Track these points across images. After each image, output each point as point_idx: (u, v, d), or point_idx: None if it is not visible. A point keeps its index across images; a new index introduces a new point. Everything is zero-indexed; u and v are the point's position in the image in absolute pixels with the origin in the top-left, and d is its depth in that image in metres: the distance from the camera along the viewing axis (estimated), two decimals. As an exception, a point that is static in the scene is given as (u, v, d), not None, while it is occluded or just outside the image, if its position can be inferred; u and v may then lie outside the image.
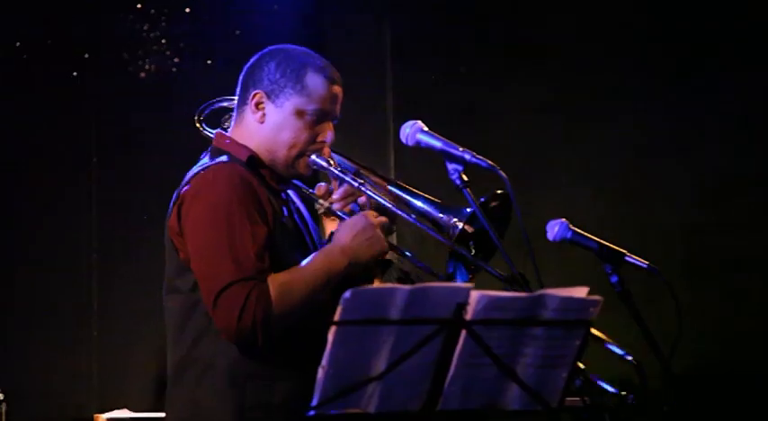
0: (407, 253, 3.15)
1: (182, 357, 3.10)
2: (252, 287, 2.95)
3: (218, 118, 3.48)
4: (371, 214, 3.10)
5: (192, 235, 3.05)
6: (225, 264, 2.97)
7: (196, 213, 3.05)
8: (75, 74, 5.75)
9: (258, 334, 2.94)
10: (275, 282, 2.98)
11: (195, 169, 3.16)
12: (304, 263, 3.05)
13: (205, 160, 3.18)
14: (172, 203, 3.13)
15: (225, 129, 3.33)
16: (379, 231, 3.09)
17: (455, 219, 3.10)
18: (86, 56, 5.75)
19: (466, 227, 3.08)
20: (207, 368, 3.05)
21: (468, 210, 3.08)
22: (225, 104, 3.50)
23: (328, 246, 3.10)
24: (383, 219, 3.11)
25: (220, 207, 3.02)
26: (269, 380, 3.03)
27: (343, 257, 3.05)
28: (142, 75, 5.73)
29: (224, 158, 3.13)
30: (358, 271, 3.10)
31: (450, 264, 3.12)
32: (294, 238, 3.16)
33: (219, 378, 3.04)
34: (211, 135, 3.48)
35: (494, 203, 3.12)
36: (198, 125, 3.51)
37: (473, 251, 3.12)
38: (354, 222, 3.10)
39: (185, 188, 3.10)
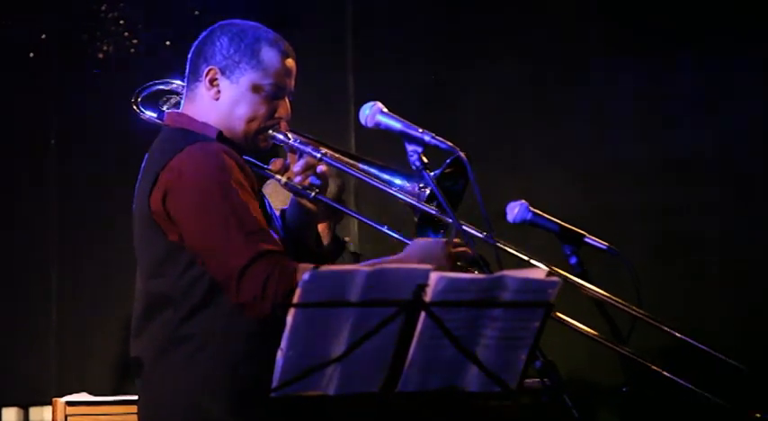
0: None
1: (168, 337, 3.02)
2: (273, 264, 2.88)
3: (156, 100, 3.45)
4: (452, 244, 2.99)
5: (195, 219, 2.97)
6: (239, 242, 2.90)
7: (192, 197, 2.97)
8: (32, 55, 5.71)
9: (279, 310, 2.82)
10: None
11: (161, 152, 3.07)
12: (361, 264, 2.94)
13: (173, 141, 3.10)
14: (150, 186, 3.03)
15: (164, 112, 3.29)
16: (448, 263, 2.95)
17: (420, 186, 3.10)
18: (43, 37, 5.70)
19: (429, 190, 3.05)
20: (198, 348, 2.99)
21: (432, 173, 3.06)
22: (160, 87, 3.47)
23: (393, 258, 2.99)
24: (463, 249, 2.99)
25: (218, 186, 2.95)
26: (263, 360, 2.95)
27: None
28: (100, 55, 5.69)
29: (199, 139, 3.06)
30: None
31: (419, 231, 3.10)
32: (267, 216, 3.13)
33: (213, 358, 2.98)
34: (152, 117, 3.44)
35: (449, 170, 3.10)
36: (135, 108, 3.47)
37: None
38: (432, 247, 2.98)
39: (165, 171, 3.01)
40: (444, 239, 3.02)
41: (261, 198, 3.10)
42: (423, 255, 2.95)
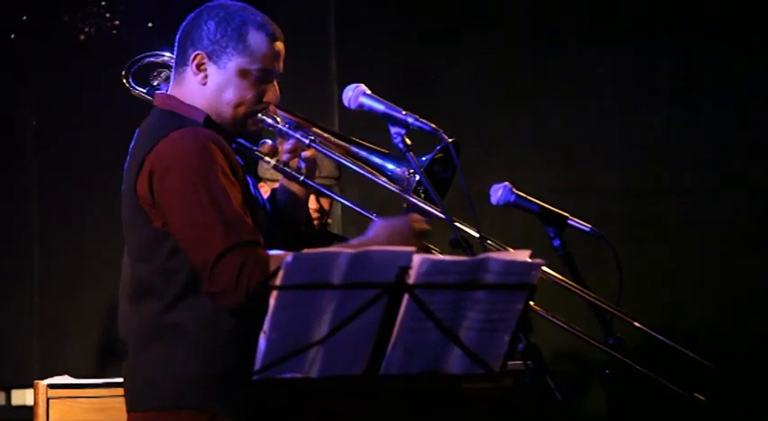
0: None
1: (151, 323, 3.03)
2: (248, 253, 2.89)
3: (146, 75, 3.43)
4: (415, 218, 3.00)
5: (175, 205, 2.97)
6: (217, 231, 2.91)
7: (174, 183, 2.97)
8: (12, 36, 5.67)
9: (251, 300, 2.85)
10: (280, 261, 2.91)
11: (149, 135, 3.06)
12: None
13: (160, 124, 3.09)
14: (137, 170, 3.03)
15: (154, 87, 3.28)
16: (415, 239, 2.96)
17: (410, 171, 3.08)
18: (24, 18, 5.67)
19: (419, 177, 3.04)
20: (178, 334, 3.00)
21: (423, 158, 3.05)
22: (152, 60, 3.45)
23: (362, 240, 2.99)
24: (425, 226, 3.00)
25: (200, 173, 2.94)
26: (241, 345, 2.94)
27: None
28: (81, 37, 5.66)
29: (186, 123, 3.06)
30: None
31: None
32: (250, 201, 3.12)
33: (191, 343, 2.99)
34: (142, 93, 3.43)
35: (439, 155, 3.09)
36: (125, 83, 3.45)
37: (423, 196, 3.08)
38: (397, 224, 2.98)
39: (151, 155, 3.00)
40: (406, 216, 3.02)
41: (245, 183, 3.09)
42: (391, 235, 2.96)
